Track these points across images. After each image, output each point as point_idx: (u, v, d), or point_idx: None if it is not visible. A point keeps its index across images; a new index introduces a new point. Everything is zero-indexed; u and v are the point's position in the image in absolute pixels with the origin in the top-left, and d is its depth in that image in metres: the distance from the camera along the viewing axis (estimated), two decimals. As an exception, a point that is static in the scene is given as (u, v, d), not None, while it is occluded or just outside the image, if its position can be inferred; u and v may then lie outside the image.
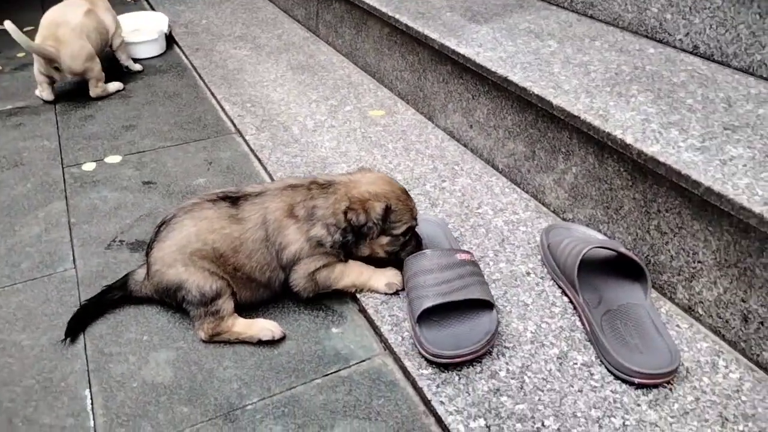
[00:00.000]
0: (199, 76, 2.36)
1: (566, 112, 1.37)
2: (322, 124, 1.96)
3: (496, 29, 1.82)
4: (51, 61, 2.00)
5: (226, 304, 1.20)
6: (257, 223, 1.22)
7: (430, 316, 1.15)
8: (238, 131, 1.97)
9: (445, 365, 1.10)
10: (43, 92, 2.12)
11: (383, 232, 1.24)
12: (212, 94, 2.22)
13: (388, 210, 1.22)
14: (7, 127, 1.98)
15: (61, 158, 1.82)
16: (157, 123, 2.03)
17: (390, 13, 1.99)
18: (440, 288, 1.15)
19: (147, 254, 1.26)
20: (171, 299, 1.24)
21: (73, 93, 2.21)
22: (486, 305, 1.16)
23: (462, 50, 1.69)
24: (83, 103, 2.14)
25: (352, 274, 1.28)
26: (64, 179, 1.72)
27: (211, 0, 3.13)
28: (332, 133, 1.91)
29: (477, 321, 1.15)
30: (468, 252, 1.24)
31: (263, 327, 1.20)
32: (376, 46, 2.19)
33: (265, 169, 1.76)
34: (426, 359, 1.11)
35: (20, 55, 2.52)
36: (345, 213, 1.21)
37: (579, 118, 1.33)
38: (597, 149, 1.35)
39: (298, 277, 1.24)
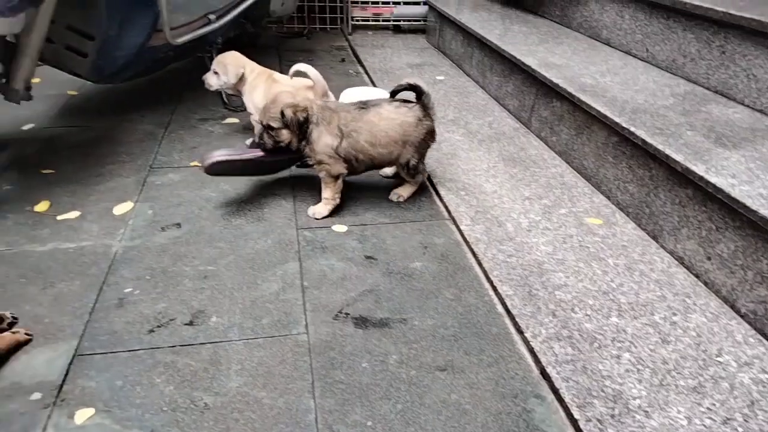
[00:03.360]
0: (415, 155, 2.49)
1: None
2: (537, 225, 1.96)
3: (749, 158, 1.70)
4: None
5: None
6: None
7: None
8: (452, 218, 2.03)
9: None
10: None
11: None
12: (428, 175, 2.33)
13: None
14: (252, 181, 2.24)
15: (296, 220, 2.00)
16: (377, 197, 2.16)
17: (624, 125, 1.96)
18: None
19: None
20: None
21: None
22: None
23: (712, 179, 1.60)
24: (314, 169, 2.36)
25: None
26: (298, 241, 1.89)
27: (426, 80, 3.31)
28: (547, 236, 1.89)
29: None
30: None
31: None
32: (599, 152, 2.16)
33: (480, 264, 1.79)
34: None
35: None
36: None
37: None
38: None
39: None
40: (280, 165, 2.18)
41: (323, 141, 1.93)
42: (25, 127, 2.61)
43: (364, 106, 1.98)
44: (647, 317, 1.54)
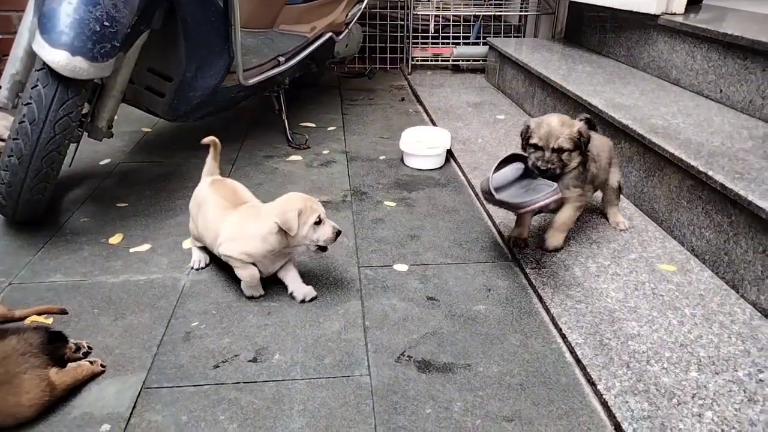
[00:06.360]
0: (476, 195, 2.47)
1: None
2: (606, 270, 1.88)
3: (842, 206, 1.59)
4: None
5: None
6: None
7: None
8: (516, 261, 1.99)
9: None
10: None
11: None
12: (489, 216, 2.30)
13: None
14: (314, 219, 2.27)
15: (357, 257, 2.01)
16: (438, 237, 2.15)
17: (700, 168, 1.87)
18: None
19: None
20: None
21: (365, 195, 2.47)
22: None
23: (802, 228, 1.50)
24: (374, 207, 2.37)
25: None
26: (359, 279, 1.88)
27: (486, 120, 3.33)
28: (617, 282, 1.82)
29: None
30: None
31: None
32: (672, 195, 2.07)
33: (547, 309, 1.73)
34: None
35: (325, 152, 2.93)
36: None
37: None
38: None
39: None
40: None
41: (591, 168, 1.86)
42: (103, 162, 2.76)
43: None
44: (730, 373, 1.44)
